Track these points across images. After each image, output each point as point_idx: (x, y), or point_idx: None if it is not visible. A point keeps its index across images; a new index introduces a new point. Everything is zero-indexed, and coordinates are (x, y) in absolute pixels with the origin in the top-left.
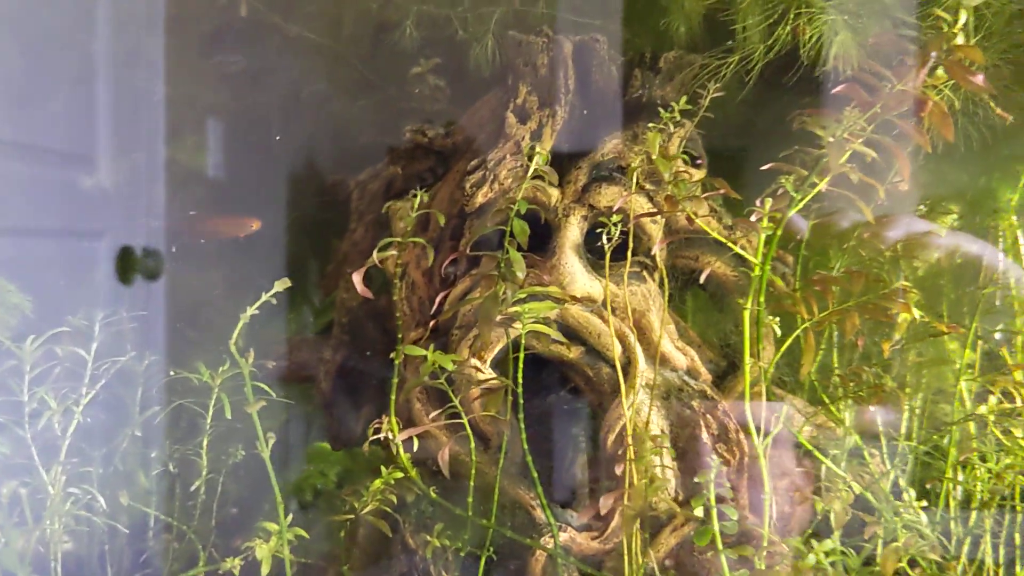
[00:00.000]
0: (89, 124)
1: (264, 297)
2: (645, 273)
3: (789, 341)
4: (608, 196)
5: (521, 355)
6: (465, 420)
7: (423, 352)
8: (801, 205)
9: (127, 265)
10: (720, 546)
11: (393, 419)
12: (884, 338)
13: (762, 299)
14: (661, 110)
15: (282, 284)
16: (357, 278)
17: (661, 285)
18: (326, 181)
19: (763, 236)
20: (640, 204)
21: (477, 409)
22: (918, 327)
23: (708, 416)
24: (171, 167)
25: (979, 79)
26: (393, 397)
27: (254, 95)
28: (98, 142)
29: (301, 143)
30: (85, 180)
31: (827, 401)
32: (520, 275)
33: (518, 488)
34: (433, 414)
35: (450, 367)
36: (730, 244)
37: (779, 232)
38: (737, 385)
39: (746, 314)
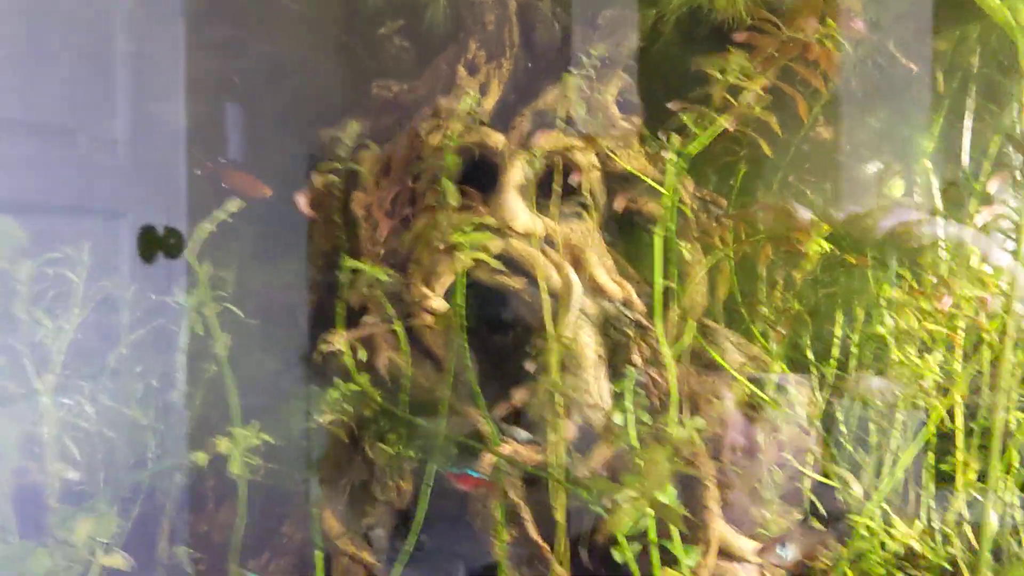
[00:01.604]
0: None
1: (219, 217)
2: (585, 213)
3: (705, 269)
4: (549, 141)
5: (462, 281)
6: (401, 330)
7: (361, 265)
8: (706, 139)
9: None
10: (636, 444)
11: (340, 330)
12: (797, 270)
13: (671, 225)
14: (583, 57)
15: (234, 205)
16: (301, 199)
17: (601, 224)
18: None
19: (670, 167)
20: (584, 152)
21: (428, 334)
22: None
23: (641, 342)
24: (162, 128)
25: (859, 24)
26: (339, 311)
27: (239, 61)
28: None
29: (286, 102)
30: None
31: (756, 332)
32: (452, 203)
33: (467, 406)
34: (371, 319)
35: (383, 278)
36: (643, 177)
37: (683, 164)
38: (670, 315)
39: (657, 239)
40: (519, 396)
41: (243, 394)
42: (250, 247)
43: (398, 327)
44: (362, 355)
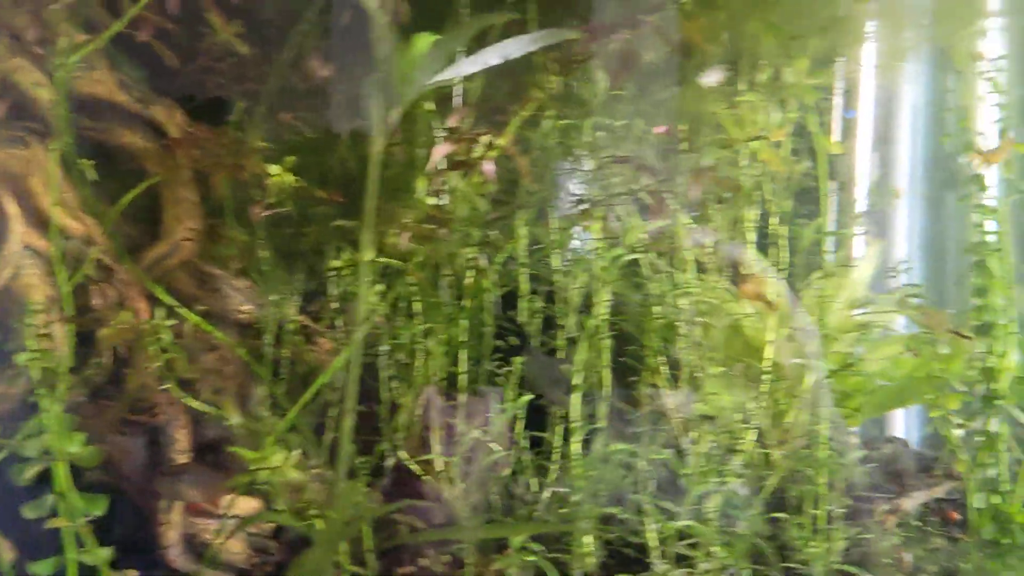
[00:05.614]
0: None
1: None
2: (32, 138)
3: (133, 193)
4: None
5: None
6: None
7: None
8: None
9: None
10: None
11: None
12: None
13: (68, 139)
14: None
15: None
16: None
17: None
18: None
19: (59, 72)
20: (27, 69)
21: None
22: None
23: (103, 285)
24: None
25: None
26: None
27: None
28: None
29: None
30: None
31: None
32: None
33: None
34: None
35: None
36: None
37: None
38: (151, 254)
39: (52, 157)
40: None
41: None
42: None
43: None
44: None
